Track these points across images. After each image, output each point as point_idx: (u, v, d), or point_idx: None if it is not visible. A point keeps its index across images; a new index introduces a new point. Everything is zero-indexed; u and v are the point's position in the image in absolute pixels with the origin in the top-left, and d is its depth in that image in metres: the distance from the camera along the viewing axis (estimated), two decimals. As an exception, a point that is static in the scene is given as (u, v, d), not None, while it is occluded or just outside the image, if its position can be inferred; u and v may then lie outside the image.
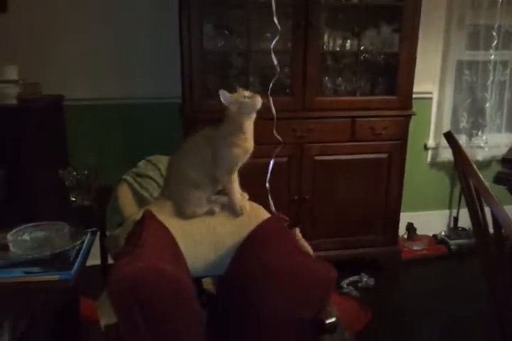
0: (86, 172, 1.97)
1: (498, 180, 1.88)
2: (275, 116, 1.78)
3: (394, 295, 2.69)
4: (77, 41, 2.59)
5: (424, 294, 2.65)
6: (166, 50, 2.64)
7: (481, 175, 1.24)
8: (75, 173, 1.93)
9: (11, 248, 1.41)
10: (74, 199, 1.91)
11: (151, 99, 2.72)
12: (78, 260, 1.42)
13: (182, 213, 1.55)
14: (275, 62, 1.85)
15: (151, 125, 2.73)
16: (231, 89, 2.50)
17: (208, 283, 1.67)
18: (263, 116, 1.75)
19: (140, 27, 2.66)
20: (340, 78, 2.68)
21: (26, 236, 1.47)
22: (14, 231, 1.46)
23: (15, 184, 1.70)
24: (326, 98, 2.60)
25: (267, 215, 1.60)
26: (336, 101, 2.60)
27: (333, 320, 1.18)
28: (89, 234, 1.59)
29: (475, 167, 1.26)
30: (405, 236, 3.14)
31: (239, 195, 1.62)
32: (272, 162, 1.52)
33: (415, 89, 2.93)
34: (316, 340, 1.18)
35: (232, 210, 1.59)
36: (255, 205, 1.68)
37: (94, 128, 2.66)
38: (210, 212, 1.58)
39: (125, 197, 1.88)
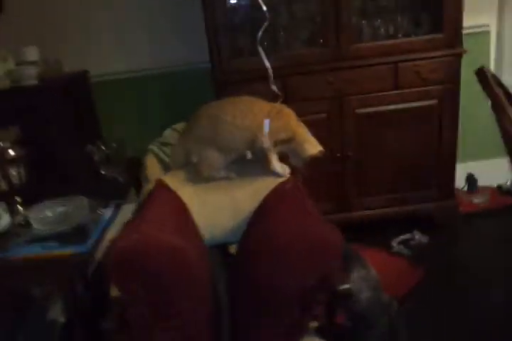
0: (114, 145, 1.99)
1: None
2: (270, 70, 1.63)
3: (450, 253, 2.49)
4: (97, 14, 2.56)
5: (485, 251, 2.43)
6: (188, 13, 2.54)
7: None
8: (103, 147, 1.95)
9: (33, 224, 1.46)
10: (104, 172, 1.94)
11: (178, 67, 2.66)
12: (95, 233, 1.44)
13: (198, 173, 1.49)
14: (264, 8, 1.69)
15: (181, 93, 2.69)
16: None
17: (233, 248, 1.63)
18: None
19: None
20: (378, 20, 2.43)
21: (48, 212, 1.51)
22: (36, 207, 1.51)
23: (44, 162, 1.74)
24: (363, 44, 2.38)
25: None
26: (375, 47, 2.37)
27: (346, 286, 1.10)
28: (113, 207, 1.61)
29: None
30: (465, 189, 2.89)
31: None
32: (267, 122, 1.40)
33: (468, 22, 2.62)
34: (330, 308, 1.10)
35: (275, 172, 1.49)
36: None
37: (123, 101, 2.67)
38: (228, 177, 1.52)
39: (152, 166, 1.85)
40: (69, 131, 1.90)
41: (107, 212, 1.57)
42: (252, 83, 2.36)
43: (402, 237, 2.56)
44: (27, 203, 1.61)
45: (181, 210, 1.34)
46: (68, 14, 2.53)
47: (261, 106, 1.52)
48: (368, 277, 1.68)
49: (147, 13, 2.61)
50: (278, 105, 1.55)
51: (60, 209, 1.52)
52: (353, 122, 2.44)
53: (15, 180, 1.56)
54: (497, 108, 1.06)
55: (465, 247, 2.58)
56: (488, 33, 2.74)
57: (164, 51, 2.64)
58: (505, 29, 2.69)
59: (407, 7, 2.44)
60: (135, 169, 1.98)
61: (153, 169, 1.82)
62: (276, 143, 1.47)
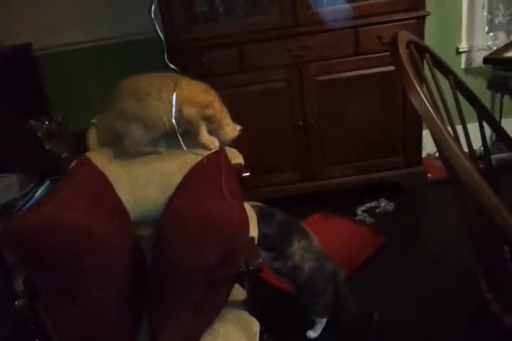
0: (60, 120, 1.96)
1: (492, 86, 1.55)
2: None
3: (414, 221, 2.48)
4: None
5: (451, 220, 2.36)
6: None
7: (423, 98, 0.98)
8: (46, 123, 1.92)
9: (-39, 202, 1.45)
10: (48, 148, 1.92)
11: (133, 36, 2.58)
12: (24, 209, 1.43)
13: (124, 149, 1.47)
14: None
15: (136, 65, 2.59)
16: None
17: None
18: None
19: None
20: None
21: (-21, 190, 1.50)
22: (-34, 185, 1.50)
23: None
24: (320, 9, 2.27)
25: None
26: (333, 11, 2.26)
27: (256, 266, 1.09)
28: (47, 182, 1.60)
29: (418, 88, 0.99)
30: (436, 155, 2.84)
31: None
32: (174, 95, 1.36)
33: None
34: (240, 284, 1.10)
35: (203, 145, 1.48)
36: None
37: (74, 74, 2.61)
38: (155, 152, 1.50)
39: (94, 141, 1.83)
40: (8, 106, 1.86)
41: (41, 189, 1.55)
42: (208, 51, 2.31)
43: (367, 205, 2.55)
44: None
45: (100, 187, 1.32)
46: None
47: (188, 81, 1.48)
48: (309, 247, 1.68)
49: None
50: (205, 85, 1.51)
51: (-9, 186, 1.51)
52: (314, 90, 2.38)
53: None
54: (405, 83, 1.00)
55: (430, 215, 2.57)
56: (459, -7, 2.62)
57: (118, 20, 2.56)
58: (477, -12, 2.56)
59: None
60: (80, 143, 1.96)
61: (93, 143, 1.80)
62: (203, 118, 1.44)
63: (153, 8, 1.71)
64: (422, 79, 1.11)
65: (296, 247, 1.65)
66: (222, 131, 1.47)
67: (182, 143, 1.44)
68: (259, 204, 1.66)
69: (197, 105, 1.43)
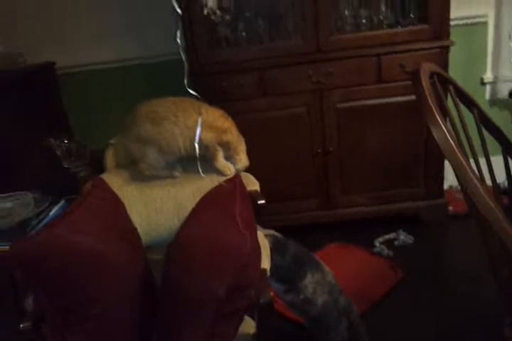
0: (79, 139, 1.97)
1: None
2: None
3: (435, 255, 2.39)
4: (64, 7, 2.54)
5: (472, 255, 2.27)
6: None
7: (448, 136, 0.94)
8: (66, 141, 1.93)
9: (-24, 220, 1.46)
10: (67, 166, 1.93)
11: (155, 58, 2.62)
12: (38, 228, 1.43)
13: (140, 172, 1.46)
14: None
15: (157, 86, 2.64)
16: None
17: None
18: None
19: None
20: (362, 10, 2.32)
21: (-5, 207, 1.50)
22: (-18, 202, 1.51)
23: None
24: (343, 35, 2.27)
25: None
26: (356, 38, 2.26)
27: (267, 299, 1.05)
28: (62, 202, 1.60)
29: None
30: (459, 187, 2.77)
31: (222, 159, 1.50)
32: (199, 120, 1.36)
33: (464, 13, 2.52)
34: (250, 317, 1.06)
35: (219, 171, 1.47)
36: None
37: (93, 94, 2.65)
38: (171, 176, 1.48)
39: (111, 161, 1.84)
40: (29, 123, 1.89)
41: (55, 208, 1.55)
42: (229, 75, 2.32)
43: (385, 237, 2.48)
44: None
45: (113, 210, 1.31)
46: (44, 5, 2.52)
47: (206, 106, 1.48)
48: (323, 281, 1.63)
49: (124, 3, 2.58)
50: (222, 111, 1.52)
51: (8, 204, 1.51)
52: (334, 117, 2.35)
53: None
54: (426, 114, 0.97)
55: (451, 249, 2.48)
56: (485, 24, 2.60)
57: (142, 41, 2.60)
58: (503, 21, 2.53)
59: (393, -3, 2.32)
60: (98, 162, 1.96)
61: (111, 164, 1.80)
62: (220, 144, 1.43)
63: (178, 33, 1.73)
64: (445, 111, 1.08)
65: (309, 280, 1.61)
66: (237, 157, 1.46)
67: (200, 169, 1.42)
68: (274, 233, 1.62)
69: (215, 130, 1.43)
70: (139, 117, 1.47)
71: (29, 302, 1.35)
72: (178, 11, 1.65)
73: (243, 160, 1.48)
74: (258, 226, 1.36)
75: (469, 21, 2.54)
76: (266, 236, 1.47)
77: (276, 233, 1.63)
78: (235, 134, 1.47)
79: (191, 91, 1.62)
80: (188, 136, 1.41)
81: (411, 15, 2.29)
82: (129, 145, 1.47)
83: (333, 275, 1.68)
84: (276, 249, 1.50)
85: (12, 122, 1.86)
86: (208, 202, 1.28)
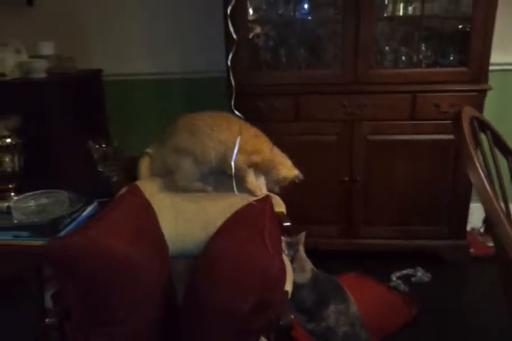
0: (116, 144, 2.04)
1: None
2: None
3: (451, 296, 2.35)
4: (126, 16, 2.68)
5: (489, 299, 2.24)
6: (209, 20, 2.59)
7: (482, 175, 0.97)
8: (104, 145, 2.00)
9: (13, 213, 1.51)
10: (101, 170, 1.99)
11: (199, 73, 2.71)
12: (69, 227, 1.48)
13: (174, 183, 1.51)
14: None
15: (197, 100, 2.73)
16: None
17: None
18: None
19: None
20: (402, 47, 2.38)
21: (31, 203, 1.56)
22: (21, 197, 1.57)
23: (41, 154, 1.81)
24: (381, 70, 2.33)
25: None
26: (394, 74, 2.31)
27: (287, 321, 1.07)
28: (94, 204, 1.65)
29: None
30: (481, 230, 2.75)
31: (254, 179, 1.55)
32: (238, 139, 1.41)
33: (505, 59, 2.54)
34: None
35: (249, 191, 1.52)
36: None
37: (138, 101, 2.75)
38: (203, 190, 1.53)
39: (145, 170, 1.89)
40: (72, 126, 1.97)
41: (88, 209, 1.60)
42: (266, 97, 2.39)
43: (403, 272, 2.47)
44: (19, 192, 1.68)
45: (145, 217, 1.35)
46: (94, 15, 2.65)
47: (240, 125, 1.54)
48: (346, 312, 1.63)
49: (175, 18, 2.70)
50: (255, 129, 1.56)
51: (43, 200, 1.57)
52: (364, 148, 2.39)
53: (9, 168, 1.63)
54: (465, 158, 1.00)
55: (468, 292, 2.45)
56: (523, 71, 2.63)
57: (187, 57, 2.71)
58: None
59: (434, 37, 2.37)
60: (132, 169, 2.02)
61: (144, 172, 1.86)
62: (250, 165, 1.48)
63: (230, 56, 1.81)
64: (481, 154, 1.11)
65: (333, 310, 1.61)
66: (274, 171, 1.49)
67: (235, 186, 1.46)
68: (312, 267, 1.64)
69: (244, 153, 1.47)
70: (178, 128, 1.53)
71: (48, 298, 1.39)
72: (234, 36, 1.72)
73: (282, 172, 1.50)
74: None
75: (508, 67, 2.57)
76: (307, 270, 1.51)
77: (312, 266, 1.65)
78: (267, 153, 1.51)
79: (237, 113, 1.68)
80: (219, 150, 1.47)
81: (451, 57, 2.34)
82: (166, 155, 1.53)
83: (358, 307, 1.68)
84: (309, 285, 1.54)
85: (58, 123, 1.94)
86: (238, 220, 1.31)
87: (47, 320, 1.13)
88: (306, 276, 1.57)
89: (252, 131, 1.56)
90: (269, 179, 1.51)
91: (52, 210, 1.52)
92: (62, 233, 1.44)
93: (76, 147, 1.93)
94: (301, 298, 1.54)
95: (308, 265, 1.61)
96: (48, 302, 1.43)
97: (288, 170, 1.51)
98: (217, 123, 1.49)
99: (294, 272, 1.50)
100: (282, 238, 1.53)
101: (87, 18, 2.65)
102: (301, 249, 1.58)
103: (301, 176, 1.54)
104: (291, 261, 1.51)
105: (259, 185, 1.49)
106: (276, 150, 1.56)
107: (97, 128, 2.31)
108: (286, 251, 1.51)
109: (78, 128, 2.04)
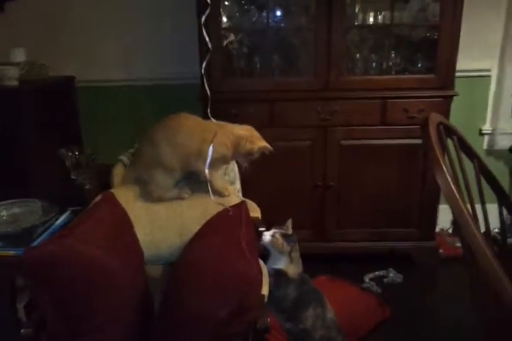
0: (89, 151, 2.02)
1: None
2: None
3: (422, 296, 2.43)
4: (99, 22, 2.66)
5: (457, 298, 2.30)
6: (183, 26, 2.59)
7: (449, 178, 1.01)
8: (76, 153, 1.98)
9: (-16, 222, 1.49)
10: (74, 177, 1.97)
11: (171, 80, 2.71)
12: (43, 236, 1.46)
13: (148, 194, 1.51)
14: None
15: (169, 107, 2.71)
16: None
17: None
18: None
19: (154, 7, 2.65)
20: (372, 55, 2.44)
21: (3, 212, 1.54)
22: (-9, 206, 1.54)
23: (12, 162, 1.78)
24: (352, 77, 2.38)
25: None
26: (365, 81, 2.37)
27: (263, 324, 1.09)
28: (68, 212, 1.63)
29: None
30: (450, 231, 2.83)
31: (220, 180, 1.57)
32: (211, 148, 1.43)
33: (471, 66, 2.64)
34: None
35: (217, 193, 1.54)
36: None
37: (110, 108, 2.74)
38: (179, 197, 1.54)
39: (118, 177, 1.88)
40: (45, 133, 1.95)
41: (61, 218, 1.59)
42: (239, 104, 2.41)
43: (376, 273, 2.52)
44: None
45: (121, 225, 1.35)
46: (69, 21, 2.63)
47: (199, 123, 1.58)
48: (323, 316, 1.66)
49: (148, 24, 2.70)
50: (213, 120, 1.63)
51: (15, 210, 1.55)
52: (337, 153, 2.43)
53: (-21, 177, 1.61)
54: (432, 161, 1.05)
55: (438, 291, 2.52)
56: (488, 78, 2.73)
57: (160, 64, 2.71)
58: (506, 76, 2.66)
59: (403, 44, 2.44)
60: (105, 177, 2.01)
61: (118, 179, 1.85)
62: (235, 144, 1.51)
63: (204, 63, 1.82)
64: (447, 159, 1.15)
65: (311, 313, 1.64)
66: (242, 144, 1.54)
67: (211, 192, 1.48)
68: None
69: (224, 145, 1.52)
70: (143, 142, 1.58)
71: (21, 308, 1.37)
72: (209, 44, 1.75)
73: (250, 144, 1.55)
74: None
75: (474, 74, 2.67)
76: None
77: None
78: (235, 133, 1.55)
79: (212, 119, 1.70)
80: (179, 153, 1.49)
81: (419, 64, 2.41)
82: (138, 170, 1.55)
83: (335, 313, 1.71)
84: (297, 282, 1.56)
85: (30, 131, 1.91)
86: (214, 225, 1.33)
87: (22, 331, 1.11)
88: (299, 270, 1.60)
89: (213, 123, 1.60)
90: (237, 153, 1.53)
91: (25, 220, 1.50)
92: (36, 242, 1.42)
93: (49, 155, 1.91)
94: (286, 293, 1.55)
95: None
96: (21, 313, 1.41)
97: (255, 142, 1.56)
98: (172, 129, 1.53)
99: (292, 262, 1.55)
100: (277, 230, 1.57)
101: (59, 24, 2.62)
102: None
103: (269, 147, 1.59)
104: (291, 250, 1.55)
105: (224, 184, 1.52)
106: (241, 126, 1.61)
107: (69, 135, 2.29)
108: (285, 243, 1.54)
109: (51, 135, 2.01)
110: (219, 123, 1.64)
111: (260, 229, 1.53)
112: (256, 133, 1.61)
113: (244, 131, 1.59)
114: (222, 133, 1.52)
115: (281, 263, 1.55)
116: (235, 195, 1.60)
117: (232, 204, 1.49)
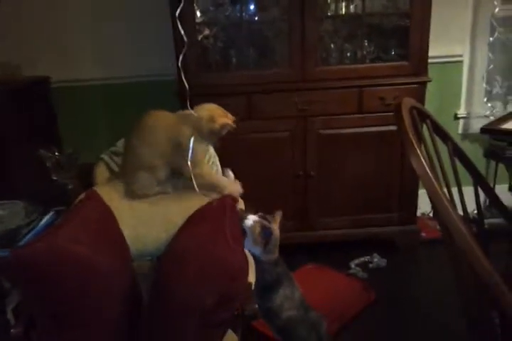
0: (69, 151, 2.01)
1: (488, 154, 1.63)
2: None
3: (407, 279, 2.49)
4: (74, 22, 2.63)
5: (443, 279, 2.35)
6: (155, 23, 2.59)
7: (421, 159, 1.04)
8: (56, 154, 1.97)
9: (-34, 225, 1.48)
10: (55, 178, 1.96)
11: (148, 77, 2.71)
12: (27, 237, 1.46)
13: (132, 193, 1.52)
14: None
15: (148, 104, 2.71)
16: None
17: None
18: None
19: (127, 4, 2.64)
20: (346, 45, 2.47)
21: (-15, 215, 1.53)
22: (-27, 209, 1.53)
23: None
24: (327, 67, 2.42)
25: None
26: (339, 70, 2.41)
27: (251, 311, 1.11)
28: (51, 213, 1.63)
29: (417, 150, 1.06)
30: (431, 215, 2.90)
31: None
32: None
33: (442, 52, 2.70)
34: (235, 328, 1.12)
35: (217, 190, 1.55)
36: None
37: (85, 109, 2.72)
38: (164, 192, 1.55)
39: (101, 176, 1.89)
40: (23, 134, 1.93)
41: (45, 218, 1.58)
42: (217, 98, 2.40)
43: (360, 259, 2.58)
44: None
45: (105, 221, 1.36)
46: (39, 20, 2.60)
47: (166, 118, 1.59)
48: (291, 296, 1.68)
49: (121, 22, 2.68)
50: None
51: (-2, 212, 1.54)
52: (316, 142, 2.47)
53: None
54: (406, 146, 1.07)
55: (421, 273, 2.58)
56: (461, 63, 2.79)
57: (135, 61, 2.70)
58: (477, 62, 2.72)
59: (376, 33, 2.48)
60: (87, 176, 2.00)
61: (101, 179, 1.85)
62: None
63: (180, 58, 1.82)
64: (422, 143, 1.18)
65: (280, 294, 1.65)
66: (211, 123, 1.54)
67: (195, 185, 1.49)
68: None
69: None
70: (124, 150, 1.60)
71: (10, 311, 1.37)
72: (185, 38, 1.74)
73: (218, 120, 1.55)
74: None
75: (446, 60, 2.72)
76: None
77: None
78: (198, 115, 1.57)
79: (193, 112, 1.70)
80: (153, 152, 1.50)
81: (392, 51, 2.45)
82: (126, 176, 1.55)
83: (301, 291, 1.74)
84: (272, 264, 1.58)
85: (6, 132, 1.89)
86: (199, 217, 1.34)
87: (12, 331, 1.12)
88: (274, 256, 1.62)
89: (178, 115, 1.61)
90: (202, 134, 1.53)
91: (8, 221, 1.49)
92: (21, 243, 1.42)
93: (28, 156, 1.90)
94: (261, 277, 1.57)
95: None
96: (10, 315, 1.41)
97: (216, 120, 1.56)
98: (142, 128, 1.54)
99: (268, 253, 1.56)
100: (257, 219, 1.58)
101: (31, 23, 2.58)
102: (276, 228, 1.62)
103: (230, 123, 1.58)
104: (266, 243, 1.56)
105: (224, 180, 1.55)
106: (203, 106, 1.62)
107: (49, 136, 2.27)
108: (261, 235, 1.55)
109: (29, 136, 1.99)
110: (183, 112, 1.64)
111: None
112: (219, 111, 1.61)
113: (205, 110, 1.59)
114: (186, 122, 1.53)
115: (256, 251, 1.57)
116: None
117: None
